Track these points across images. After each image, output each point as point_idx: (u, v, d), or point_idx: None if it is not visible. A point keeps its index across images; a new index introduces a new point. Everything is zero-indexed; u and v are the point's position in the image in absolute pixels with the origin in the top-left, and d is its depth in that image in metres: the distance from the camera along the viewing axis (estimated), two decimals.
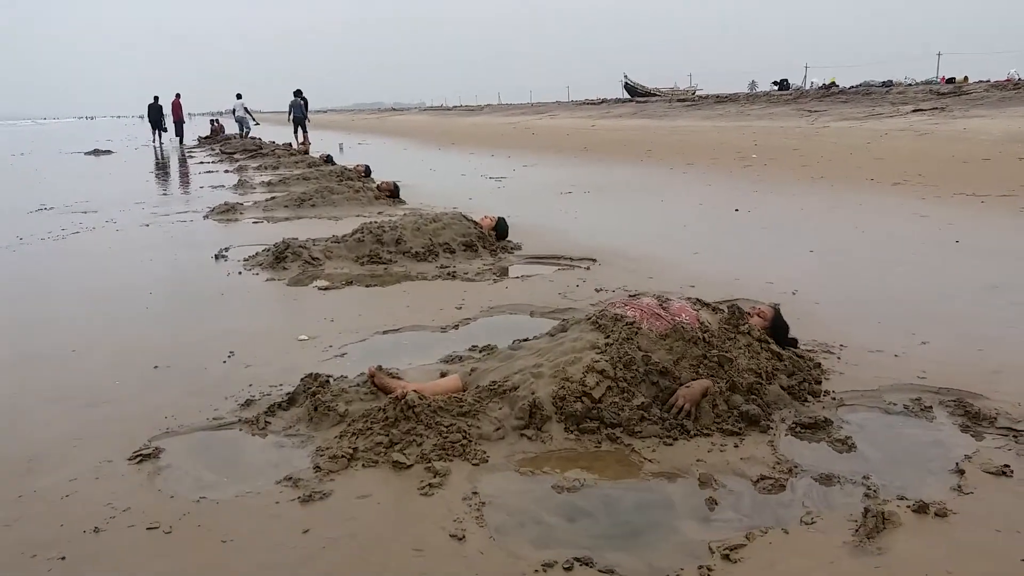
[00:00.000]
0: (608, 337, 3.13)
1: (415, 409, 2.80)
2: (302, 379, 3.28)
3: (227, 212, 9.36)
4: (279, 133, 32.87)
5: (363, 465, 2.66)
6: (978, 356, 3.66)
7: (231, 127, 32.17)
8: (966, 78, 26.69)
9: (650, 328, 3.16)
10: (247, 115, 27.12)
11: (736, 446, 2.75)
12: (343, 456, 2.68)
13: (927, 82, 29.23)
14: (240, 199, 11.04)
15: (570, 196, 10.67)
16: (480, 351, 3.86)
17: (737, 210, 8.56)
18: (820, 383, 3.28)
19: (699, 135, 21.61)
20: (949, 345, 3.83)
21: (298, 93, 22.66)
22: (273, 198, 10.02)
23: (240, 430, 3.07)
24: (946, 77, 27.81)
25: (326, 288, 5.45)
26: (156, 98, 29.26)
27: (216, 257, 6.66)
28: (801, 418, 2.95)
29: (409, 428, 2.76)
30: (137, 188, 13.31)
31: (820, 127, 20.59)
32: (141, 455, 2.82)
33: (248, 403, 3.27)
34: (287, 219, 9.06)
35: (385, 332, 4.37)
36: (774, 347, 3.30)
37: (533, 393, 2.90)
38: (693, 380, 2.98)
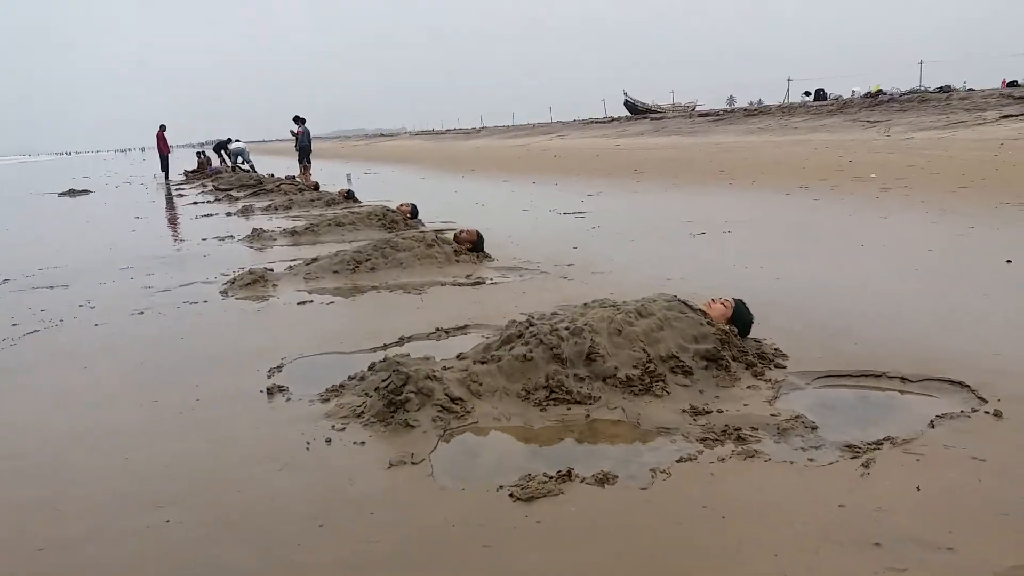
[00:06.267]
0: None
1: None
2: None
3: (254, 285, 6.54)
4: (271, 165, 30.17)
5: None
6: None
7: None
8: None
9: None
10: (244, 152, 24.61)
11: None
12: None
13: (912, 91, 27.29)
14: (263, 258, 8.24)
15: (706, 238, 7.96)
16: None
17: (1010, 262, 5.86)
18: None
19: (761, 152, 19.03)
20: None
21: (302, 120, 19.86)
22: (315, 259, 7.20)
23: None
24: (1007, 80, 25.52)
25: (521, 495, 2.64)
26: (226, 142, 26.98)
27: (269, 392, 3.85)
28: None
29: None
30: (122, 243, 10.47)
31: (902, 139, 18.05)
32: None
33: None
34: (343, 293, 6.27)
35: None
36: None
37: None
38: None
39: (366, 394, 3.58)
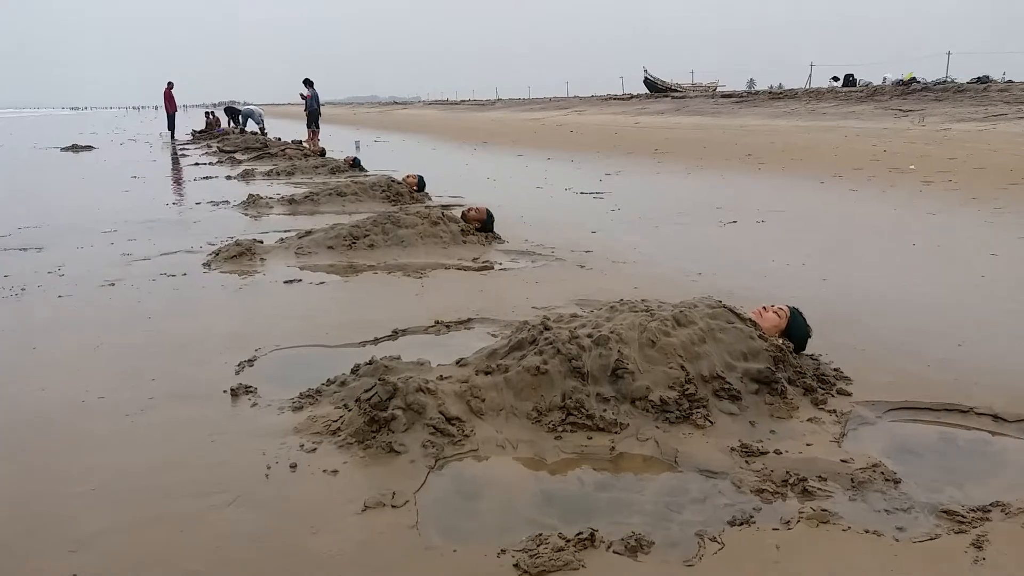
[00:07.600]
0: None
1: None
2: None
3: (240, 258, 5.93)
4: (280, 128, 29.54)
5: None
6: None
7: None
8: None
9: None
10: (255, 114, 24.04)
11: None
12: None
13: (938, 81, 26.19)
14: (256, 227, 7.63)
15: (737, 227, 7.30)
16: None
17: None
18: None
19: (789, 137, 18.22)
20: None
21: (311, 83, 19.16)
22: (310, 232, 6.57)
23: None
24: None
25: (529, 567, 2.04)
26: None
27: (234, 393, 3.25)
28: None
29: None
30: (112, 203, 9.87)
31: (939, 130, 17.20)
32: None
33: None
34: (337, 272, 5.66)
35: None
36: None
37: None
38: None
39: (345, 405, 2.98)
